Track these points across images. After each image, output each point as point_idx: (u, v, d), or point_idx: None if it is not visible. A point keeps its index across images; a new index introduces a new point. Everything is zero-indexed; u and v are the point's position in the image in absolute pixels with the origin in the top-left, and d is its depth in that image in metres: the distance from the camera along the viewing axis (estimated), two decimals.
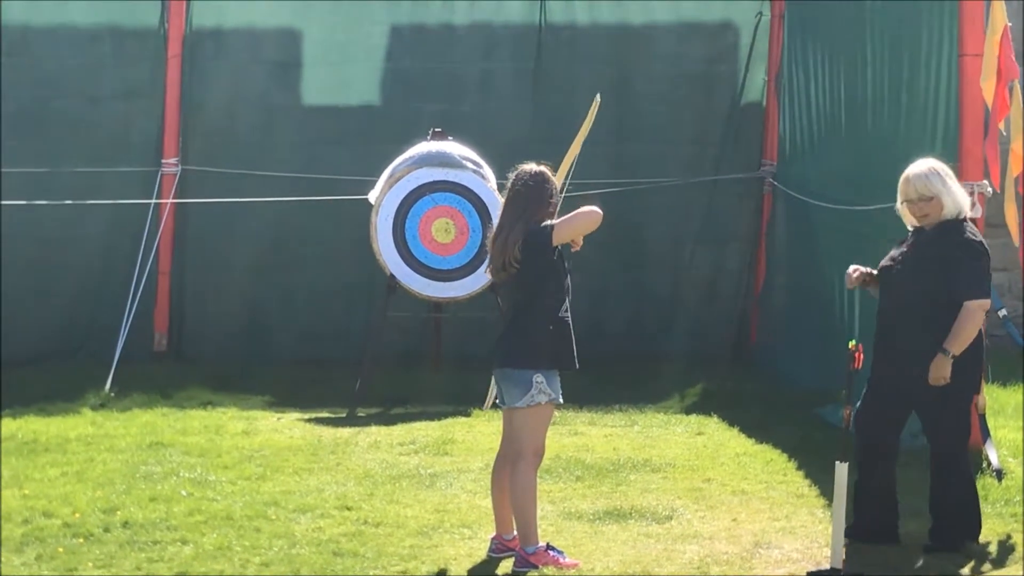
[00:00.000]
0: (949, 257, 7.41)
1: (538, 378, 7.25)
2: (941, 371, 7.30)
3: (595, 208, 7.34)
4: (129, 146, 12.74)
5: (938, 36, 9.55)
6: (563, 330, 7.33)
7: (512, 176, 7.45)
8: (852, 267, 7.78)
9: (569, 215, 7.33)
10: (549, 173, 7.44)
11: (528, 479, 7.30)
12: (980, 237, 7.53)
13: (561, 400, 7.41)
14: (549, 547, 7.37)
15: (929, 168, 7.57)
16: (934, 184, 7.51)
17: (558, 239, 7.27)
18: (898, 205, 7.71)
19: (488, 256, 7.51)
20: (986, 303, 7.39)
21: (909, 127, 10.01)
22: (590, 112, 8.94)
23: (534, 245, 7.24)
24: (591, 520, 8.20)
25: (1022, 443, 9.58)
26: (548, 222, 7.29)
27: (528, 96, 13.15)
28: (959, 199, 7.55)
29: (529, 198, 7.34)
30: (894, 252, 7.72)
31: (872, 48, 10.60)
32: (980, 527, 7.69)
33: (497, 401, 7.57)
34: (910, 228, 7.75)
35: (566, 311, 7.34)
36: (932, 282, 7.41)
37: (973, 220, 9.12)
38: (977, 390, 7.78)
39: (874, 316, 7.79)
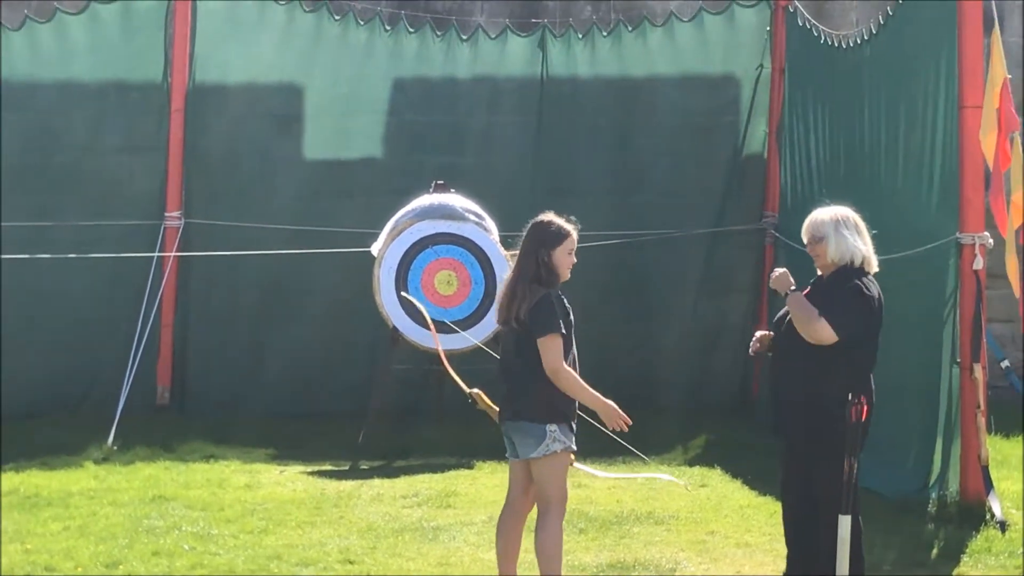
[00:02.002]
0: (834, 297, 7.18)
1: (551, 427, 7.23)
2: (780, 280, 7.21)
3: (567, 377, 7.21)
4: (132, 199, 12.79)
5: (934, 88, 9.61)
6: (567, 396, 7.28)
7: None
8: (759, 332, 7.57)
9: (573, 376, 7.21)
10: (558, 221, 7.40)
11: (558, 529, 7.27)
12: (873, 290, 7.20)
13: (575, 448, 7.37)
14: None
15: (831, 214, 7.33)
16: (822, 228, 7.28)
17: (543, 347, 7.19)
18: None
19: (497, 302, 7.50)
20: (830, 334, 7.04)
21: (907, 178, 10.05)
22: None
23: (538, 319, 7.21)
24: (595, 573, 8.17)
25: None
26: (559, 326, 7.18)
27: (530, 148, 13.19)
28: (848, 248, 7.26)
29: (537, 250, 7.33)
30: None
31: (870, 100, 10.66)
32: None
33: (507, 454, 7.52)
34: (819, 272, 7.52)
35: None
36: None
37: (975, 272, 9.21)
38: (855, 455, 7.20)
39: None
